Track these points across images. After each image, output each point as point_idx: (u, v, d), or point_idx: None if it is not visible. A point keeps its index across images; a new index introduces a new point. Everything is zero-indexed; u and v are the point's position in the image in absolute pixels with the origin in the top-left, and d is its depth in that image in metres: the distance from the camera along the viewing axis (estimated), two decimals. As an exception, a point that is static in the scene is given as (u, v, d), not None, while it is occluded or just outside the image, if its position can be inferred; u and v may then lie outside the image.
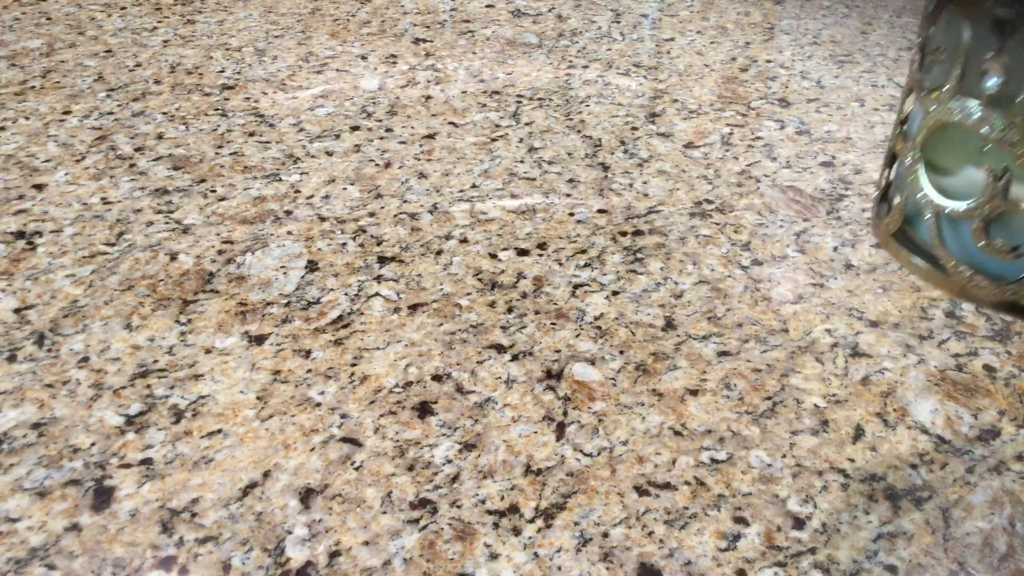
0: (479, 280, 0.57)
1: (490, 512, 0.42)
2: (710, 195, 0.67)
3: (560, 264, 0.59)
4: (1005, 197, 0.29)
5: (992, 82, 0.29)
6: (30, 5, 1.02)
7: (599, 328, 0.53)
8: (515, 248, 0.61)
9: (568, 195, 0.67)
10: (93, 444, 0.45)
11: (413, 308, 0.55)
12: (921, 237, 0.34)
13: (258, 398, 0.48)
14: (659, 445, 0.45)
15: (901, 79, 0.90)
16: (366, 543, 0.40)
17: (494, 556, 0.39)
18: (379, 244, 0.61)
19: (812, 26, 1.05)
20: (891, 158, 0.34)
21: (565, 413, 0.47)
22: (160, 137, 0.74)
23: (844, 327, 0.54)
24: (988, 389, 0.50)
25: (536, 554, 0.40)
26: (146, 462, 0.44)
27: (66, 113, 0.78)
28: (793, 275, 0.58)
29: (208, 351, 0.51)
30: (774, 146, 0.74)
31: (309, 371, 0.50)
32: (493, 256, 0.60)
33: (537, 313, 0.55)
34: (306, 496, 0.42)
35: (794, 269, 0.59)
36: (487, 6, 1.05)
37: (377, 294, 0.56)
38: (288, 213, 0.64)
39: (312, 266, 0.59)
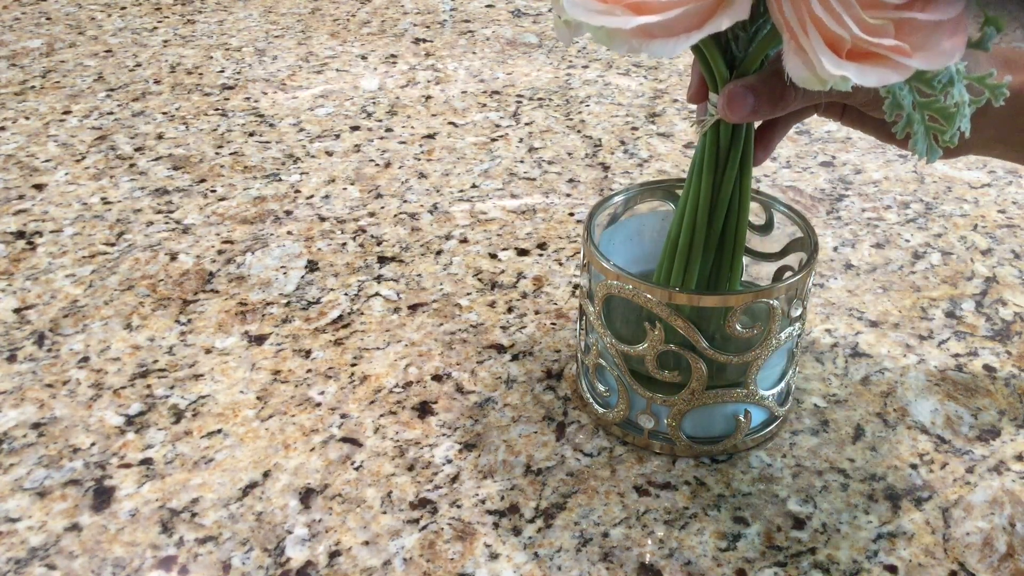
0: (479, 280, 0.57)
1: (490, 512, 0.42)
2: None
3: (560, 264, 0.59)
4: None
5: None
6: (30, 5, 1.02)
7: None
8: (515, 248, 0.61)
9: (568, 195, 0.67)
10: (93, 444, 0.45)
11: (413, 308, 0.55)
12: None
13: (258, 398, 0.48)
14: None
15: (901, 79, 0.89)
16: (366, 543, 0.40)
17: (494, 556, 0.39)
18: (379, 244, 0.61)
19: (812, 26, 1.04)
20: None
21: (565, 413, 0.47)
22: (160, 137, 0.74)
23: (844, 327, 0.54)
24: (988, 389, 0.50)
25: (536, 554, 0.40)
26: (146, 462, 0.44)
27: (66, 113, 0.78)
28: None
29: (208, 351, 0.51)
30: (774, 146, 0.74)
31: (309, 371, 0.50)
32: (493, 256, 0.60)
33: (537, 313, 0.55)
34: (306, 496, 0.42)
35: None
36: (487, 6, 1.05)
37: (377, 294, 0.56)
38: (288, 213, 0.64)
39: (312, 266, 0.59)
